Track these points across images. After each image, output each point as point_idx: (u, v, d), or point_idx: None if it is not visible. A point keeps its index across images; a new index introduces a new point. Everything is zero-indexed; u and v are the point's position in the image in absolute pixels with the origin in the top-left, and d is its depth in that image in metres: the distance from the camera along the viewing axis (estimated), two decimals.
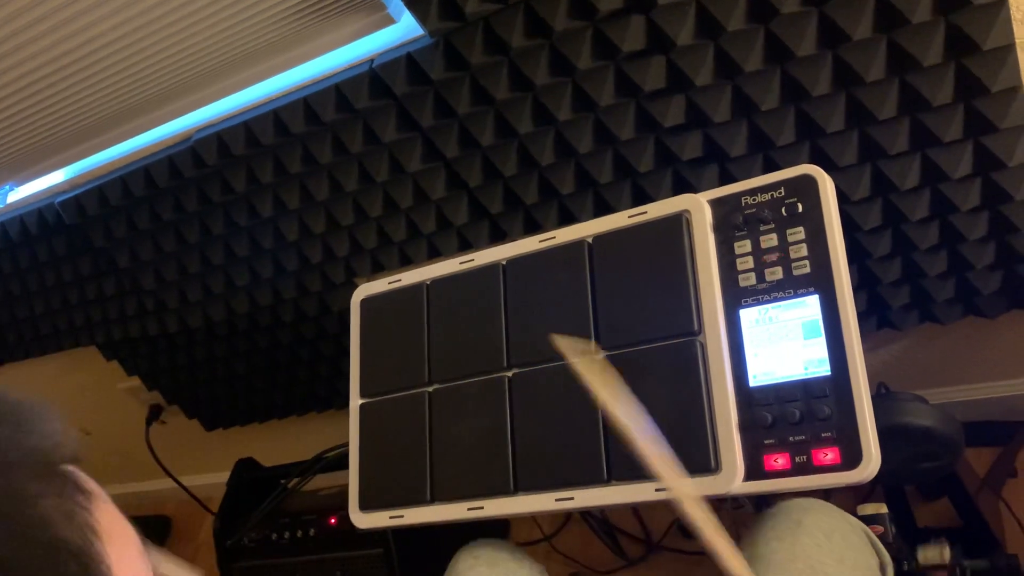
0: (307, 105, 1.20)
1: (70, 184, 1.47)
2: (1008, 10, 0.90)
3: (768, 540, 0.83)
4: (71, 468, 0.42)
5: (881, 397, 1.08)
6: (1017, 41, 0.93)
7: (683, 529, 1.52)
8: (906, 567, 1.13)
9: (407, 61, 1.11)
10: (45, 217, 1.52)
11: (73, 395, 2.00)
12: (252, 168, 1.31)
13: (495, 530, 1.69)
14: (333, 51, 1.16)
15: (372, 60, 1.14)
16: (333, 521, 1.47)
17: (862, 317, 1.21)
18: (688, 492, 0.69)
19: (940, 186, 1.04)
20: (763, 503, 1.34)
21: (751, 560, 0.82)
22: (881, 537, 1.01)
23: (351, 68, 1.17)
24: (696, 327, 0.85)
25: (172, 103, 1.28)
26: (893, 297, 1.18)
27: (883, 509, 1.04)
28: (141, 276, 1.56)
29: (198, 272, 1.51)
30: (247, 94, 1.25)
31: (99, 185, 1.42)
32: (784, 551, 0.81)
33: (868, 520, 1.04)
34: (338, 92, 1.17)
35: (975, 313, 1.19)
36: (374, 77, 1.14)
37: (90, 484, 0.42)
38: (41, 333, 1.81)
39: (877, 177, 1.06)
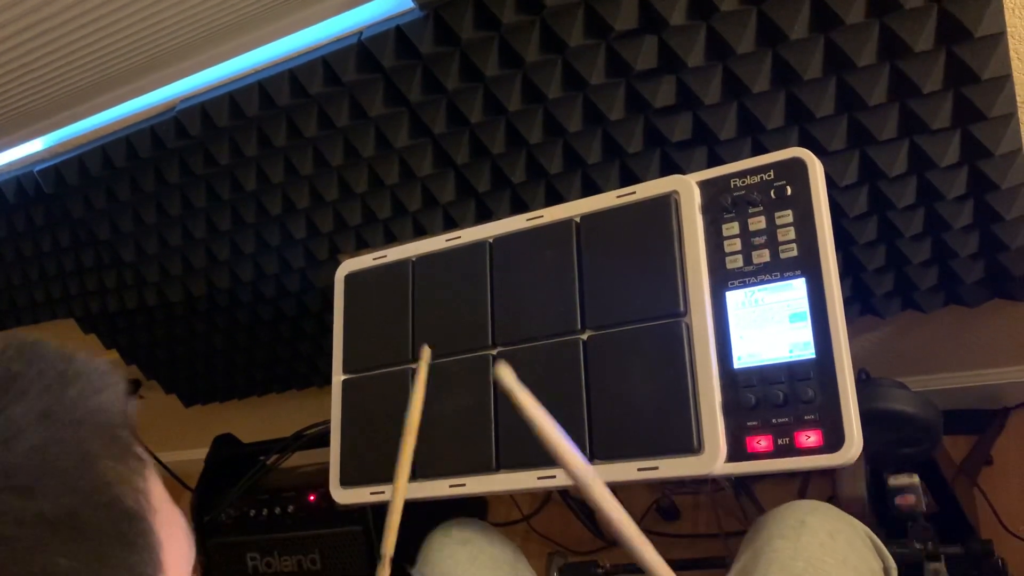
0: (293, 77, 1.18)
1: (49, 153, 1.45)
2: None
3: (772, 538, 0.83)
4: (128, 434, 0.43)
5: (862, 383, 1.09)
6: (1008, 29, 0.93)
7: (661, 511, 1.53)
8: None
9: (396, 34, 1.10)
10: (23, 186, 1.50)
11: None
12: (236, 140, 1.29)
13: (474, 510, 1.70)
14: (321, 22, 1.14)
15: (360, 32, 1.13)
16: (312, 498, 1.47)
17: (845, 303, 1.22)
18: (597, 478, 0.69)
19: (927, 174, 1.04)
20: (743, 486, 1.35)
21: (754, 557, 0.82)
22: (914, 507, 1.00)
23: (339, 40, 1.15)
24: (682, 308, 0.85)
25: (155, 72, 1.26)
26: (876, 284, 1.19)
27: (915, 479, 1.03)
28: (121, 248, 1.54)
29: (179, 245, 1.49)
30: (232, 64, 1.23)
31: (79, 155, 1.39)
32: (787, 549, 0.80)
33: (899, 491, 1.02)
34: (325, 64, 1.15)
35: (957, 302, 1.20)
36: (362, 50, 1.13)
37: (144, 454, 0.43)
38: (18, 304, 1.78)
39: (865, 163, 1.06)
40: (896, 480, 1.00)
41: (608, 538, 1.58)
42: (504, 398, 0.92)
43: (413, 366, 0.99)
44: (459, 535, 0.97)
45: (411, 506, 0.98)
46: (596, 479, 0.64)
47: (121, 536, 0.38)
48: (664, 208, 0.88)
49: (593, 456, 0.85)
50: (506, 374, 0.67)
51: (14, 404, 0.38)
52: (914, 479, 1.00)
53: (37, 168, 1.45)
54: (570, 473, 0.64)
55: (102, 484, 0.39)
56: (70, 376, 0.41)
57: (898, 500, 1.00)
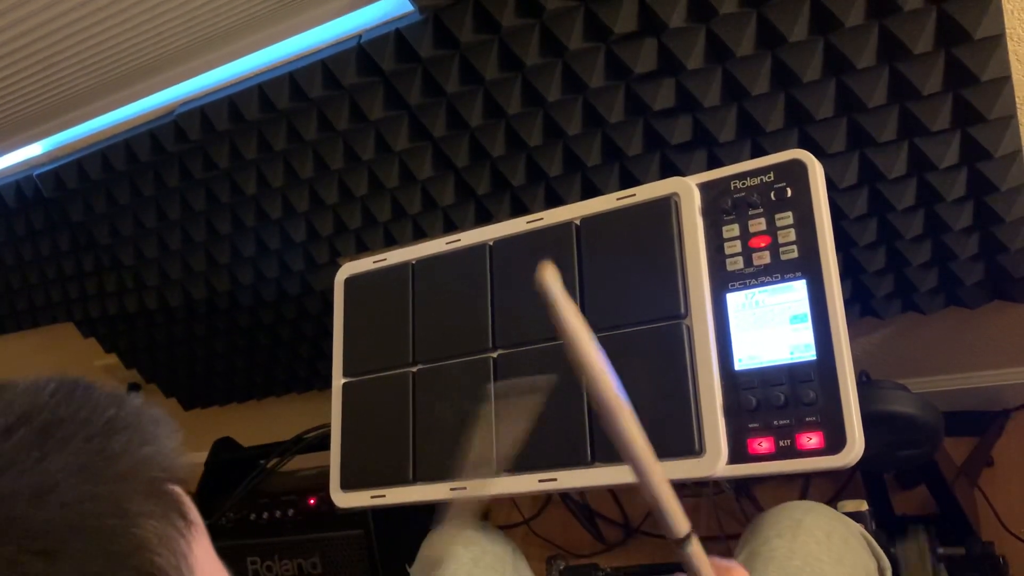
0: (293, 80, 1.18)
1: (49, 157, 1.45)
2: (1000, 0, 0.90)
3: (768, 538, 0.83)
4: (178, 490, 0.40)
5: (863, 385, 1.09)
6: (1008, 31, 0.93)
7: None
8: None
9: (396, 37, 1.10)
10: (23, 190, 1.50)
11: (49, 372, 1.96)
12: (235, 144, 1.29)
13: None
14: (321, 26, 1.14)
15: (360, 36, 1.13)
16: (312, 502, 1.47)
17: (844, 305, 1.21)
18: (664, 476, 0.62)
19: (927, 175, 1.04)
20: (743, 488, 1.35)
21: (751, 556, 0.82)
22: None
23: (338, 43, 1.15)
24: (682, 310, 0.85)
25: (155, 76, 1.26)
26: (877, 286, 1.19)
27: (864, 506, 1.04)
28: (120, 252, 1.54)
29: (178, 249, 1.49)
30: (232, 68, 1.23)
31: (79, 159, 1.39)
32: (783, 548, 0.81)
33: (848, 517, 1.04)
34: (325, 68, 1.16)
35: (957, 303, 1.20)
36: (362, 53, 1.13)
37: (193, 513, 0.40)
38: (17, 309, 1.78)
39: (865, 165, 1.06)
40: (845, 506, 1.01)
41: (609, 540, 1.58)
42: (502, 398, 0.92)
43: (414, 369, 0.99)
44: (462, 536, 0.96)
45: (409, 509, 0.98)
46: (629, 410, 0.57)
47: None
48: (664, 210, 0.88)
49: (594, 459, 0.85)
50: (550, 276, 0.53)
51: (54, 454, 0.36)
52: (862, 505, 1.01)
53: (37, 172, 1.45)
54: (596, 393, 0.55)
55: (137, 547, 0.36)
56: (118, 424, 0.38)
57: None
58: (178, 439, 0.41)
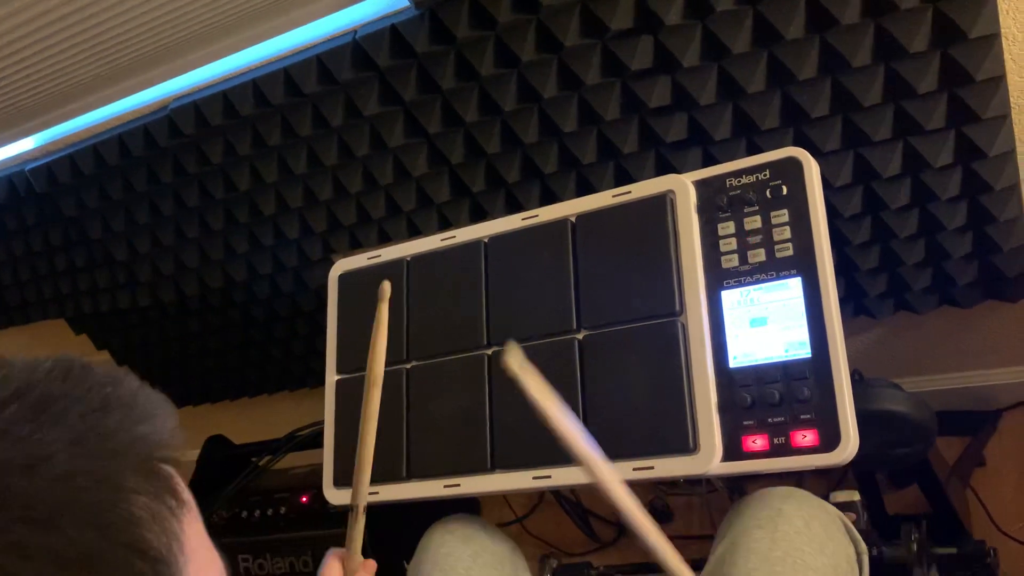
0: (287, 76, 1.18)
1: (41, 151, 1.44)
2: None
3: (748, 529, 0.83)
4: (171, 471, 0.40)
5: (856, 384, 1.09)
6: (1003, 31, 0.94)
7: (655, 512, 1.53)
8: (875, 552, 1.13)
9: (391, 33, 1.09)
10: (15, 185, 1.49)
11: None
12: (229, 139, 1.28)
13: (467, 510, 1.69)
14: (316, 21, 1.14)
15: (355, 31, 1.13)
16: (305, 499, 1.46)
17: (839, 304, 1.22)
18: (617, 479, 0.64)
19: (921, 175, 1.05)
20: (736, 486, 1.35)
21: (732, 548, 0.82)
22: (854, 524, 1.02)
23: (333, 39, 1.15)
24: (678, 308, 0.85)
25: (149, 70, 1.25)
26: (870, 285, 1.19)
27: (856, 496, 1.05)
28: (113, 248, 1.53)
29: (172, 245, 1.48)
30: (226, 63, 1.22)
31: (71, 153, 1.38)
32: (765, 539, 0.80)
33: (841, 507, 1.04)
34: (320, 63, 1.15)
35: (950, 303, 1.20)
36: (357, 48, 1.12)
37: (186, 494, 0.40)
38: (8, 304, 1.77)
39: (859, 164, 1.06)
40: (837, 496, 1.02)
41: (602, 539, 1.58)
42: (500, 396, 0.92)
43: (408, 366, 0.99)
44: (461, 532, 0.96)
45: (405, 506, 0.98)
46: (611, 473, 0.61)
47: None
48: (660, 208, 0.88)
49: None
50: (515, 358, 0.60)
51: (48, 427, 0.36)
52: (854, 496, 1.01)
53: (28, 167, 1.44)
54: (583, 466, 0.60)
55: (129, 522, 0.36)
56: (114, 402, 0.39)
57: None
58: (174, 421, 0.41)
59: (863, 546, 0.87)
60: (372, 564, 0.79)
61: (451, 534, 0.95)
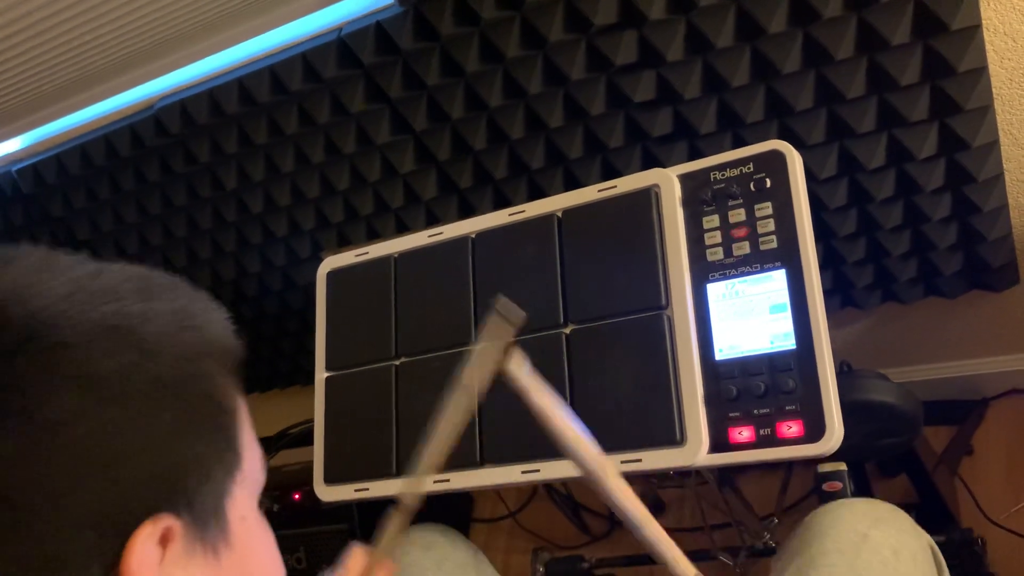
0: (273, 74, 1.18)
1: (27, 152, 1.43)
2: None
3: (828, 551, 0.78)
4: (235, 373, 0.48)
5: (843, 374, 1.10)
6: (984, 22, 0.94)
7: (647, 505, 1.53)
8: None
9: (376, 30, 1.09)
10: (1, 186, 1.48)
11: None
12: (216, 138, 1.28)
13: (460, 505, 1.70)
14: (300, 18, 1.14)
15: (340, 29, 1.12)
16: (297, 497, 1.46)
17: (825, 296, 1.23)
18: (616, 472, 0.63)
19: (905, 166, 1.05)
20: (727, 479, 1.36)
21: (807, 567, 0.78)
22: (839, 493, 1.02)
23: (319, 36, 1.14)
24: (664, 301, 0.85)
25: (134, 70, 1.25)
26: (857, 276, 1.20)
27: (842, 466, 1.05)
28: (101, 248, 1.52)
29: (159, 244, 1.48)
30: (212, 61, 1.22)
31: (58, 153, 1.38)
32: (844, 566, 0.76)
33: (826, 477, 1.05)
34: (305, 61, 1.15)
35: (936, 293, 1.21)
36: (342, 46, 1.12)
37: (242, 397, 0.48)
38: None
39: (844, 156, 1.06)
40: (823, 467, 1.03)
41: (594, 532, 1.59)
42: (489, 391, 0.92)
43: (396, 363, 0.99)
44: (421, 540, 0.96)
45: (394, 503, 0.98)
46: (611, 466, 0.60)
47: (214, 419, 0.44)
48: (645, 202, 0.89)
49: None
50: (517, 364, 0.60)
51: (153, 300, 0.44)
52: (841, 466, 1.02)
53: (15, 167, 1.43)
54: (581, 465, 0.60)
55: (209, 376, 0.44)
56: (196, 307, 0.46)
57: (825, 486, 1.03)
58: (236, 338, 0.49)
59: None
60: (393, 566, 0.76)
61: (414, 543, 0.95)
